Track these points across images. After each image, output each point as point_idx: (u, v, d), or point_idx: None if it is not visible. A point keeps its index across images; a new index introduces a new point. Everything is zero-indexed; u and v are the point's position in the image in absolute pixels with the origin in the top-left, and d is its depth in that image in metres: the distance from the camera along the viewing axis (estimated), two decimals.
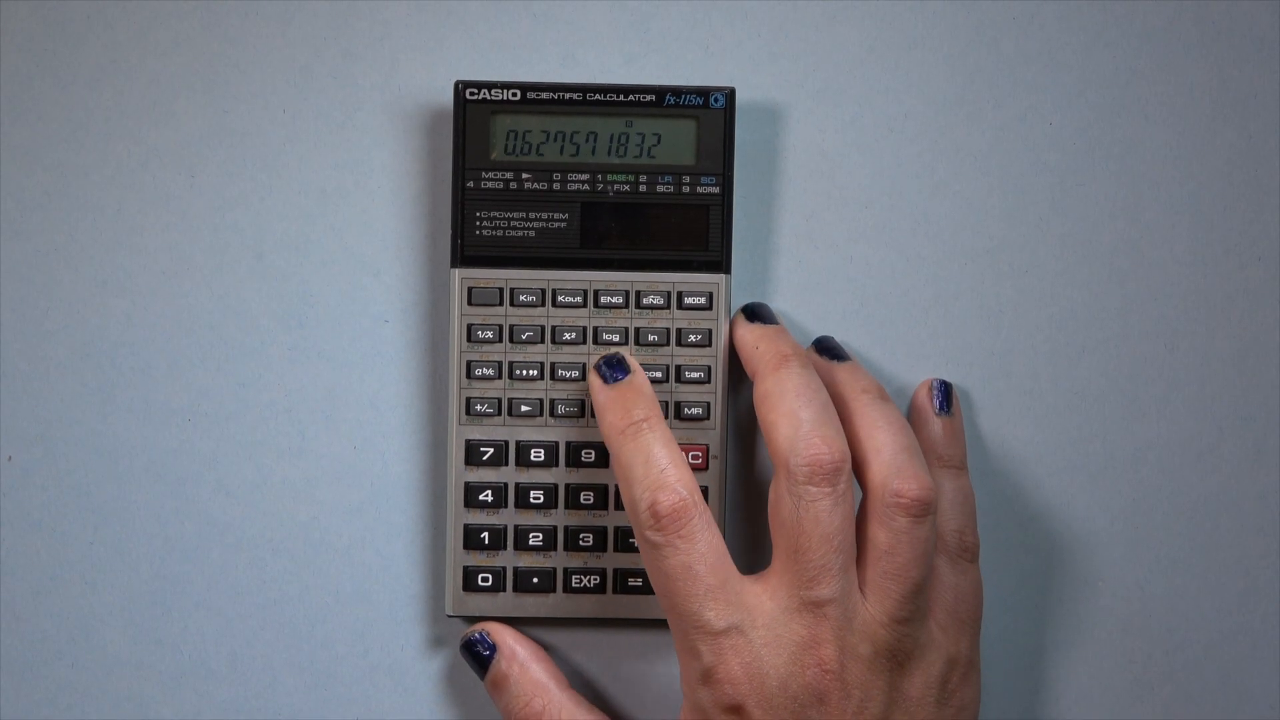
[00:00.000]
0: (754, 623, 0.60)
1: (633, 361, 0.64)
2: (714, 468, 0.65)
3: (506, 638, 0.65)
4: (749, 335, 0.64)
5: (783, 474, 0.60)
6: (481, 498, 0.65)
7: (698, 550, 0.60)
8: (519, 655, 0.65)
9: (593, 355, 0.65)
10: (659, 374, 0.65)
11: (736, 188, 0.66)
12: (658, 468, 0.60)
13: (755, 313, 0.65)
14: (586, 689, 0.66)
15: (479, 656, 0.65)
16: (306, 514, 0.66)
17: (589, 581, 0.65)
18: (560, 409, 0.65)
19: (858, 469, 0.62)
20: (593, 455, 0.65)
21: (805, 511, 0.60)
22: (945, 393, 0.66)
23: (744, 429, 0.66)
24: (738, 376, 0.66)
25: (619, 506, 0.65)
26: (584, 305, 0.64)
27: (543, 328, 0.65)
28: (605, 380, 0.63)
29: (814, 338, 0.66)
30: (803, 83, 0.66)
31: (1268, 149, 0.67)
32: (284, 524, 0.66)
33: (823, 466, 0.60)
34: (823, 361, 0.65)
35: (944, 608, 0.62)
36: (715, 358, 0.65)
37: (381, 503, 0.66)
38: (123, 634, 0.66)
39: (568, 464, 0.65)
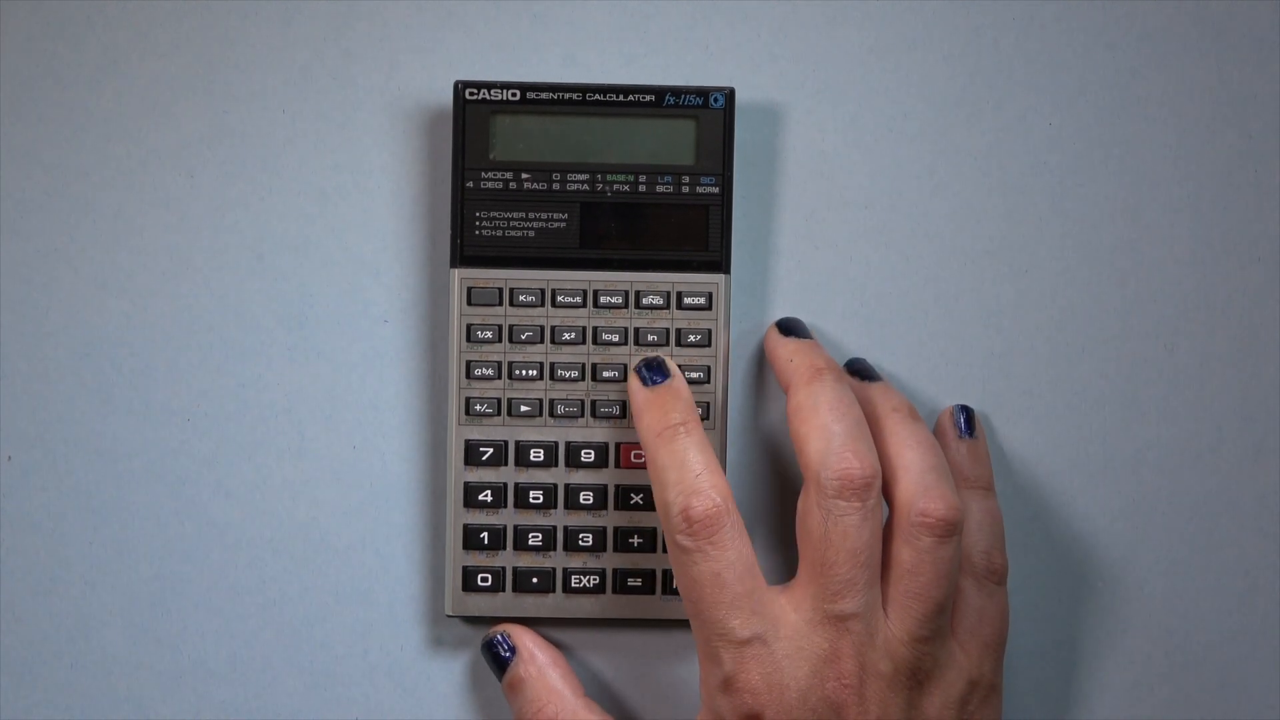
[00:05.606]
0: (777, 634, 0.60)
1: (673, 365, 0.63)
2: None
3: (526, 641, 0.65)
4: (783, 349, 0.64)
5: (813, 487, 0.60)
6: (481, 498, 0.65)
7: (728, 558, 0.60)
8: (538, 659, 0.65)
9: (593, 355, 0.65)
10: None
11: (736, 188, 0.66)
12: (692, 473, 0.60)
13: (789, 327, 0.65)
14: (587, 689, 0.66)
15: (499, 658, 0.65)
16: (306, 514, 0.66)
17: (588, 581, 0.65)
18: (560, 409, 0.65)
19: (886, 487, 0.62)
20: (592, 455, 0.65)
21: (834, 525, 0.60)
22: (967, 417, 0.66)
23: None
24: (740, 384, 0.66)
25: (619, 506, 0.65)
26: (583, 305, 0.64)
27: (542, 328, 0.64)
28: (645, 383, 0.63)
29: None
30: (803, 83, 0.66)
31: (1268, 149, 0.67)
32: (284, 524, 0.66)
33: (853, 481, 0.60)
34: (855, 382, 0.65)
35: (966, 629, 0.62)
36: (715, 358, 0.65)
37: (381, 503, 0.66)
38: (123, 634, 0.66)
39: (567, 464, 0.65)
